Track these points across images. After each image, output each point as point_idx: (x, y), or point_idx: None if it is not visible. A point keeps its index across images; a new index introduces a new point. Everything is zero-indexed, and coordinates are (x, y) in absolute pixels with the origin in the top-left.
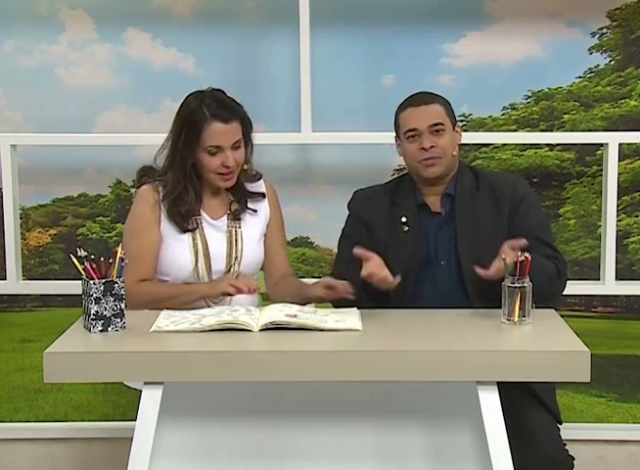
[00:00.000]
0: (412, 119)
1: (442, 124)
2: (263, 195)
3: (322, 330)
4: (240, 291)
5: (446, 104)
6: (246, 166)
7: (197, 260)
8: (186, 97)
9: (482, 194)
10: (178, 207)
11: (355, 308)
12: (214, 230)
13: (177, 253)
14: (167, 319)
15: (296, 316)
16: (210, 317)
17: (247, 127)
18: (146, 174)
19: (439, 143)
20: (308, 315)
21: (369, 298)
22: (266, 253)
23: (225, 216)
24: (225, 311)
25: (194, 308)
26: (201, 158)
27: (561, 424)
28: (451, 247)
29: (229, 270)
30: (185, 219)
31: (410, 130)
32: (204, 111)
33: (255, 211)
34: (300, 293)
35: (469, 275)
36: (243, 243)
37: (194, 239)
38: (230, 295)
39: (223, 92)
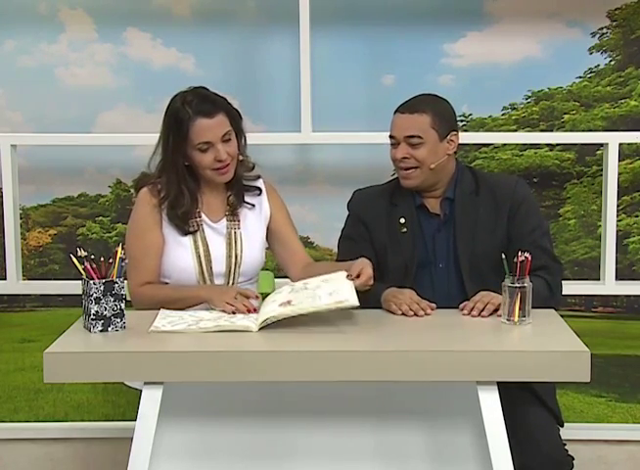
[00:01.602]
0: (393, 126)
1: (420, 137)
2: (260, 190)
3: (318, 311)
4: (238, 311)
5: (438, 113)
6: (241, 158)
7: (199, 263)
8: (171, 99)
9: (482, 197)
10: (175, 210)
11: (344, 274)
12: (214, 233)
13: (179, 255)
14: (164, 319)
15: (289, 303)
16: (208, 322)
17: (234, 119)
18: (142, 180)
19: (414, 155)
20: (301, 296)
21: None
22: (282, 248)
23: (224, 218)
24: (223, 318)
25: (191, 307)
26: (193, 156)
27: (562, 426)
28: (450, 249)
29: (229, 272)
30: (184, 222)
31: (390, 137)
32: (187, 109)
33: (253, 205)
34: (337, 267)
35: (468, 278)
36: (242, 244)
37: (195, 241)
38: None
39: (205, 88)
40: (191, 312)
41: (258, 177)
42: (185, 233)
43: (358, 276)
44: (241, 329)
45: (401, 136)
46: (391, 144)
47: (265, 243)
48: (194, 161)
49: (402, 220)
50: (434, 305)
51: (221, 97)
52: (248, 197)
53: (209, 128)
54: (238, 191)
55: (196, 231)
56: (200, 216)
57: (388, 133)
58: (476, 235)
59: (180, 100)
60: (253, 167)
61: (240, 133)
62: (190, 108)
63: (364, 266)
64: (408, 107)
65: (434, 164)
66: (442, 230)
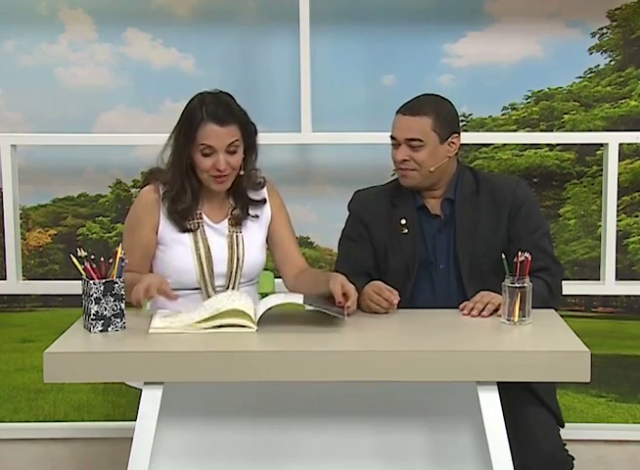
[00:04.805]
0: (395, 127)
1: (420, 141)
2: (264, 201)
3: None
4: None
5: (440, 115)
6: (242, 172)
7: (200, 263)
8: (193, 96)
9: (483, 198)
10: (175, 205)
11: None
12: (215, 233)
13: (179, 255)
14: (160, 321)
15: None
16: (203, 312)
17: (248, 133)
18: (152, 174)
19: (414, 157)
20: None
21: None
22: (278, 251)
23: (226, 220)
24: (216, 320)
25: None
26: (195, 157)
27: (562, 426)
28: (450, 250)
29: (230, 273)
30: (183, 218)
31: (391, 137)
32: (202, 110)
33: (257, 216)
34: (318, 282)
35: (468, 279)
36: (244, 247)
37: (195, 242)
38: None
39: (230, 96)
40: (184, 313)
41: (263, 186)
42: (183, 230)
43: (344, 295)
44: (239, 324)
45: (402, 138)
46: (392, 144)
47: (265, 244)
48: (195, 162)
49: (403, 221)
50: (395, 296)
51: (241, 109)
52: (252, 210)
53: (217, 135)
54: (242, 205)
55: (195, 230)
56: (200, 218)
57: (388, 133)
58: (476, 236)
59: (199, 100)
60: (261, 183)
61: (251, 149)
62: (205, 110)
63: (343, 283)
64: (410, 108)
65: (433, 167)
66: (443, 231)
